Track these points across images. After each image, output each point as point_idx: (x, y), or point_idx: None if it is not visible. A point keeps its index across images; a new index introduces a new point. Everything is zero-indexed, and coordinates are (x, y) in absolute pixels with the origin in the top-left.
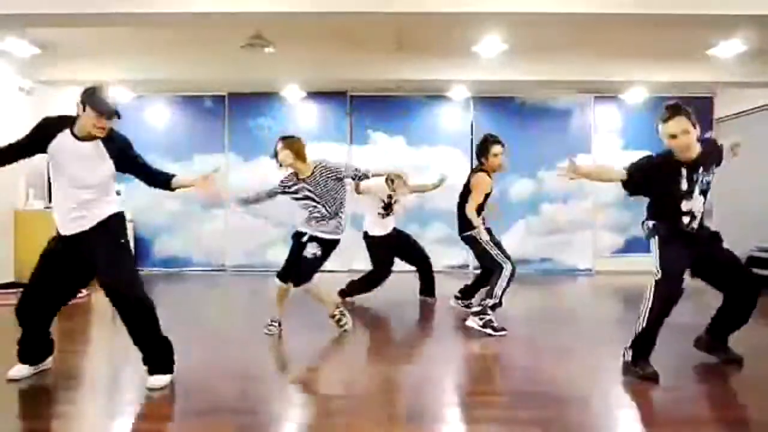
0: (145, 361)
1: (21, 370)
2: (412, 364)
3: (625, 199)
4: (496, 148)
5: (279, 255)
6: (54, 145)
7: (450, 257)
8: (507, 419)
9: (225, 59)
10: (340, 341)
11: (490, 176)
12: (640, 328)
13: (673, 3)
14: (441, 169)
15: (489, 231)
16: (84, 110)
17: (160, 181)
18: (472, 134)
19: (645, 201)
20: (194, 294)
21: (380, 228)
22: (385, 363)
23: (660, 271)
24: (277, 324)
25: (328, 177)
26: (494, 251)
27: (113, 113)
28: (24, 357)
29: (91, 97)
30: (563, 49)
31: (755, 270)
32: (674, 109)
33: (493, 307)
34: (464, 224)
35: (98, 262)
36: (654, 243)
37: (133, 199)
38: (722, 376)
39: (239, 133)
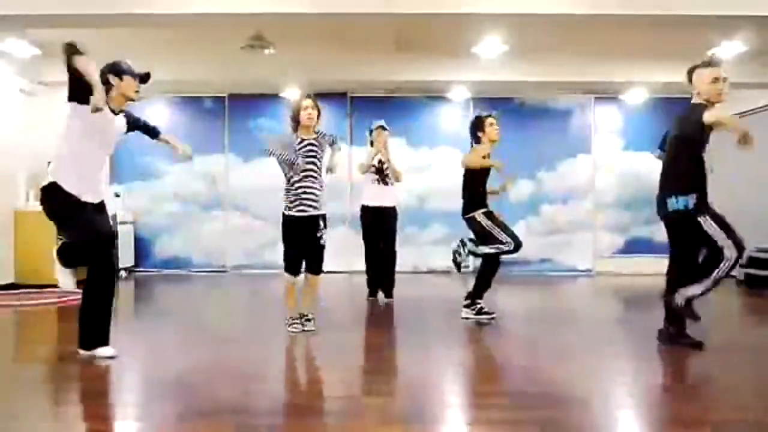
0: (101, 335)
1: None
2: (411, 364)
3: (625, 200)
4: (489, 119)
5: (279, 255)
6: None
7: (450, 258)
8: (506, 420)
9: (225, 60)
10: (339, 342)
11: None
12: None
13: (674, 4)
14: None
15: (490, 214)
16: (122, 79)
17: (152, 132)
18: None
19: (641, 200)
20: (195, 294)
21: (376, 200)
22: (384, 364)
23: (735, 245)
24: (299, 319)
25: (325, 142)
26: (495, 230)
27: (148, 75)
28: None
29: (125, 66)
30: (563, 50)
31: (755, 271)
32: (716, 58)
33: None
34: (466, 205)
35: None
36: (706, 223)
37: (134, 201)
38: (721, 376)
39: (239, 133)
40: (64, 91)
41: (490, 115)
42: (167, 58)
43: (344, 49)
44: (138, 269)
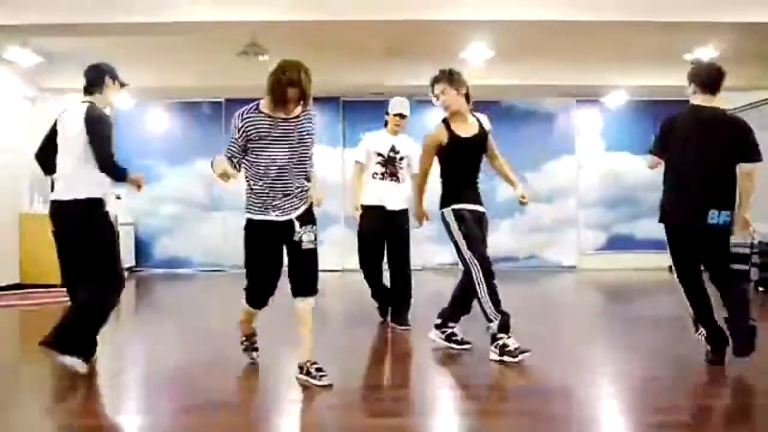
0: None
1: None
2: (402, 359)
3: (607, 198)
4: (436, 88)
5: None
6: None
7: (440, 255)
8: (496, 411)
9: (222, 66)
10: (330, 338)
11: (449, 126)
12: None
13: (652, 11)
14: None
15: (462, 217)
16: (114, 83)
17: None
18: None
19: (622, 199)
20: (194, 293)
21: (374, 198)
22: (375, 358)
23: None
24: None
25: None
26: (463, 246)
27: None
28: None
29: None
30: (547, 55)
31: (734, 265)
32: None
33: (502, 329)
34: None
35: None
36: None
37: (134, 203)
38: (700, 367)
39: None
40: (67, 98)
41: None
42: (166, 65)
43: (336, 56)
44: (138, 269)
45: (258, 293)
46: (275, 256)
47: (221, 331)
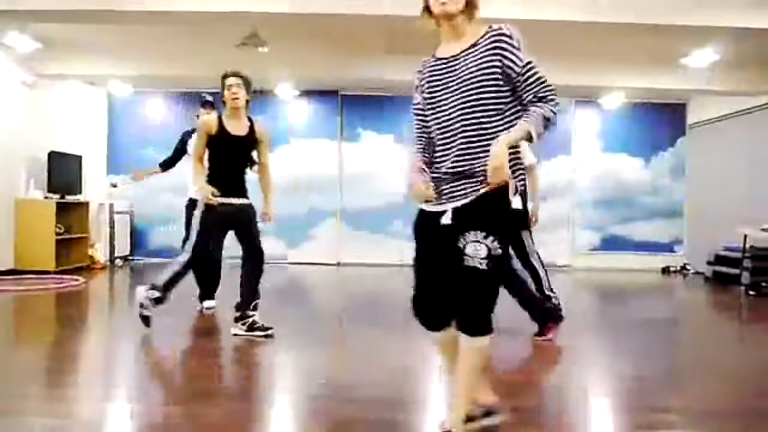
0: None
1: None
2: (393, 353)
3: (602, 199)
4: (228, 80)
5: (270, 246)
6: None
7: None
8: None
9: (221, 56)
10: (331, 331)
11: (221, 121)
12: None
13: (650, 13)
14: None
15: (207, 211)
16: None
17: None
18: None
19: (618, 200)
20: (189, 283)
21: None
22: (368, 352)
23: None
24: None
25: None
26: (193, 235)
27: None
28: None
29: None
30: (545, 55)
31: (723, 268)
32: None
33: (158, 300)
34: None
35: None
36: None
37: (130, 191)
38: (689, 367)
39: None
40: (65, 84)
41: (230, 74)
42: (165, 55)
43: (336, 49)
44: (134, 258)
45: (419, 299)
46: (437, 256)
47: (214, 319)
